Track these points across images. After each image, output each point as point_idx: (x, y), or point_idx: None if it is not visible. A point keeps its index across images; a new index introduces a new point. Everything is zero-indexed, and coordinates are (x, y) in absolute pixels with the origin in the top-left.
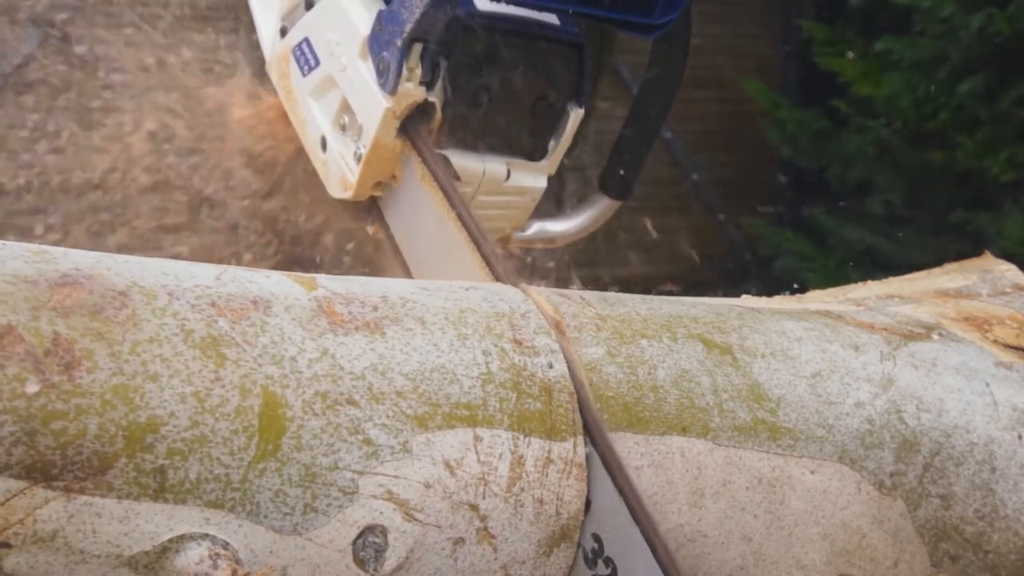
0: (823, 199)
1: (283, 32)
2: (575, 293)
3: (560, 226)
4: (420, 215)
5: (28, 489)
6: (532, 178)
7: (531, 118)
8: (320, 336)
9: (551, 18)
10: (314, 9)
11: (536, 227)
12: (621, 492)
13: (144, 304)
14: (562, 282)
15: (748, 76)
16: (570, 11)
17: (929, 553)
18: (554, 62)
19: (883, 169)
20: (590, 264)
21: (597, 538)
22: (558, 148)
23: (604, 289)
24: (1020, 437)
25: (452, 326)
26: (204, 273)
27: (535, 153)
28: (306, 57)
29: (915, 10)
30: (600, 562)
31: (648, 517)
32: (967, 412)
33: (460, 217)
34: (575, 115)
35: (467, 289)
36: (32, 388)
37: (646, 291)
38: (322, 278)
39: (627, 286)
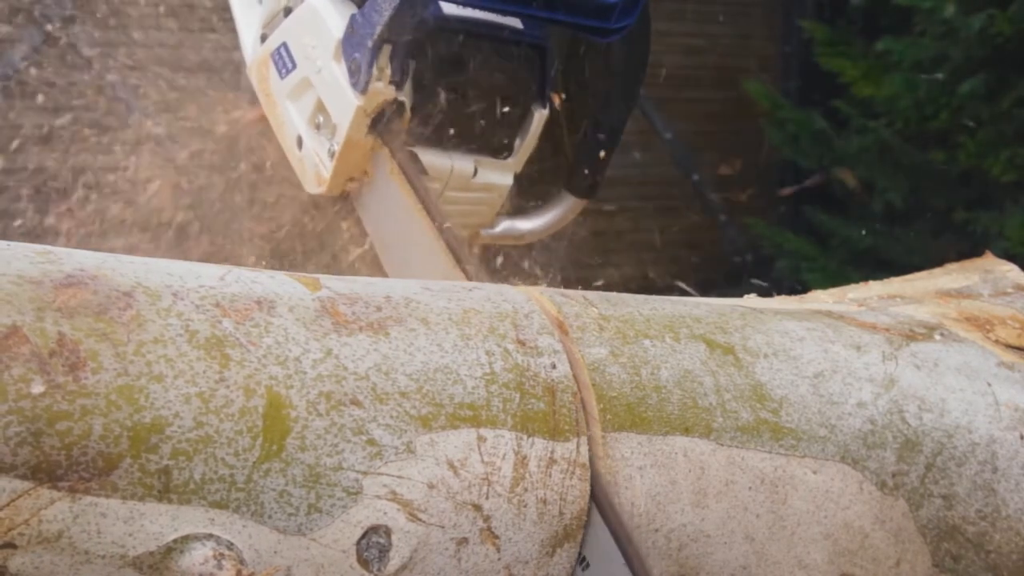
0: (824, 200)
1: (263, 39)
2: (578, 293)
3: (528, 224)
4: (390, 208)
5: (33, 490)
6: (499, 175)
7: (497, 117)
8: (324, 336)
9: (515, 22)
10: (292, 15)
11: (504, 225)
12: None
13: (149, 304)
14: (564, 282)
15: (748, 76)
16: (531, 14)
17: (931, 553)
18: (518, 64)
19: (884, 169)
20: (592, 264)
21: None
22: (524, 147)
23: (606, 290)
24: (1022, 437)
25: (455, 326)
26: (208, 273)
27: (501, 151)
28: (284, 61)
29: (916, 11)
30: None
31: (613, 509)
32: (969, 412)
33: (427, 209)
34: (539, 115)
35: (470, 290)
36: (37, 389)
37: (647, 291)
38: (326, 278)
39: (628, 287)
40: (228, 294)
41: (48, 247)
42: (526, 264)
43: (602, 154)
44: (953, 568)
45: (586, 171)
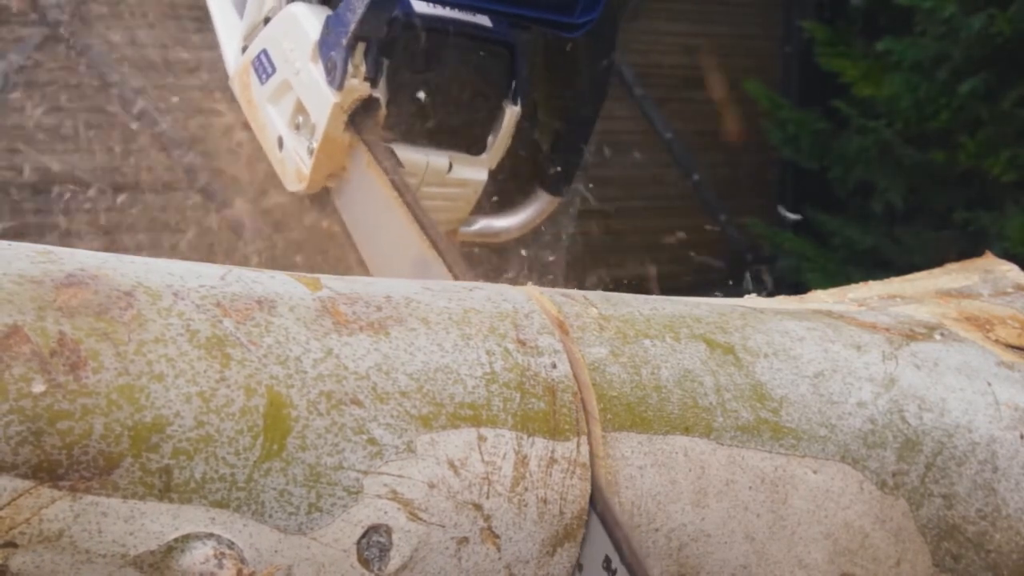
0: (824, 200)
1: (244, 50)
2: (578, 293)
3: (504, 222)
4: (369, 202)
5: (34, 489)
6: (473, 171)
7: (469, 114)
8: (324, 336)
9: (484, 20)
10: (271, 23)
11: (481, 223)
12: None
13: (149, 304)
14: (565, 282)
15: (748, 76)
16: (496, 10)
17: (931, 552)
18: (487, 61)
19: (884, 169)
20: (592, 264)
21: None
22: (497, 143)
23: (606, 289)
24: (1022, 437)
25: (456, 326)
26: (209, 273)
27: (475, 147)
28: (264, 66)
29: (916, 10)
30: None
31: (610, 509)
32: (969, 412)
33: (404, 199)
34: (511, 112)
35: (471, 289)
36: (38, 388)
37: (648, 291)
38: (326, 278)
39: (629, 286)
40: (229, 294)
41: (49, 247)
42: (525, 263)
43: (575, 152)
44: (953, 567)
45: (559, 169)
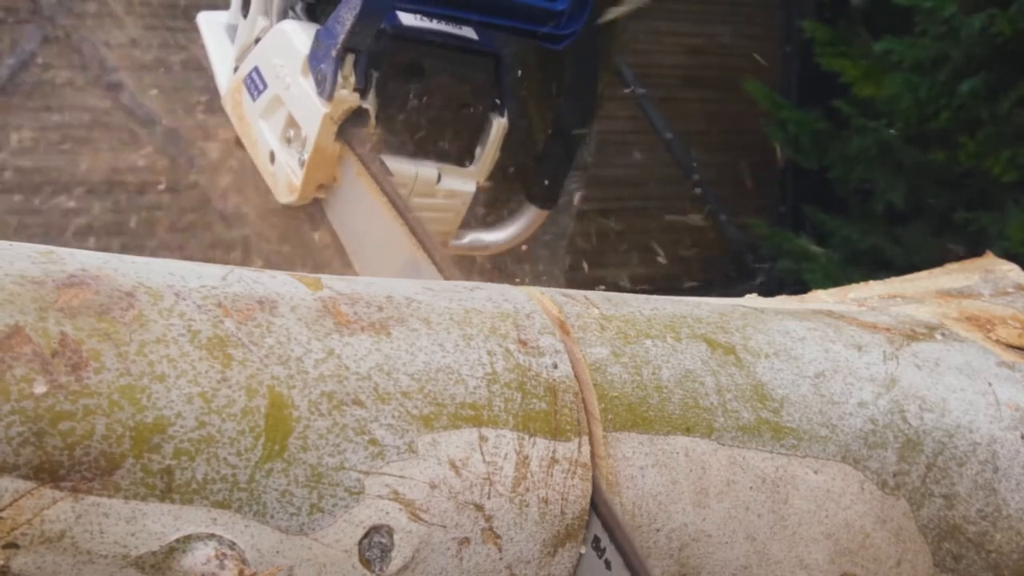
0: (824, 200)
1: (235, 70)
2: (579, 293)
3: (492, 236)
4: (359, 210)
5: (36, 489)
6: (462, 182)
7: (457, 126)
8: (326, 336)
9: (469, 32)
10: (262, 41)
11: (470, 237)
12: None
13: (151, 305)
14: (566, 282)
15: (748, 76)
16: (481, 22)
17: (932, 552)
18: (474, 73)
19: (884, 169)
20: (593, 264)
21: None
22: (485, 155)
23: (607, 290)
24: (1023, 437)
25: (457, 326)
26: (210, 273)
27: (463, 159)
28: (255, 83)
29: (916, 10)
30: None
31: (610, 509)
32: (970, 412)
33: (395, 207)
34: (498, 124)
35: (472, 289)
36: (40, 389)
37: (649, 292)
38: (327, 278)
39: (629, 286)
40: (230, 294)
41: (50, 247)
42: (526, 263)
43: (561, 164)
44: (954, 568)
45: (546, 182)
